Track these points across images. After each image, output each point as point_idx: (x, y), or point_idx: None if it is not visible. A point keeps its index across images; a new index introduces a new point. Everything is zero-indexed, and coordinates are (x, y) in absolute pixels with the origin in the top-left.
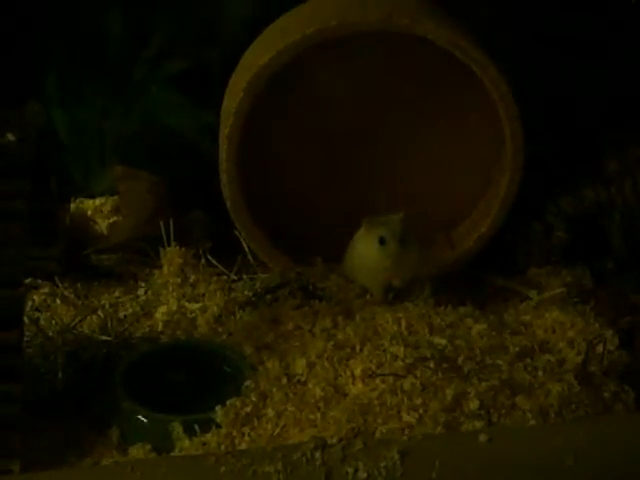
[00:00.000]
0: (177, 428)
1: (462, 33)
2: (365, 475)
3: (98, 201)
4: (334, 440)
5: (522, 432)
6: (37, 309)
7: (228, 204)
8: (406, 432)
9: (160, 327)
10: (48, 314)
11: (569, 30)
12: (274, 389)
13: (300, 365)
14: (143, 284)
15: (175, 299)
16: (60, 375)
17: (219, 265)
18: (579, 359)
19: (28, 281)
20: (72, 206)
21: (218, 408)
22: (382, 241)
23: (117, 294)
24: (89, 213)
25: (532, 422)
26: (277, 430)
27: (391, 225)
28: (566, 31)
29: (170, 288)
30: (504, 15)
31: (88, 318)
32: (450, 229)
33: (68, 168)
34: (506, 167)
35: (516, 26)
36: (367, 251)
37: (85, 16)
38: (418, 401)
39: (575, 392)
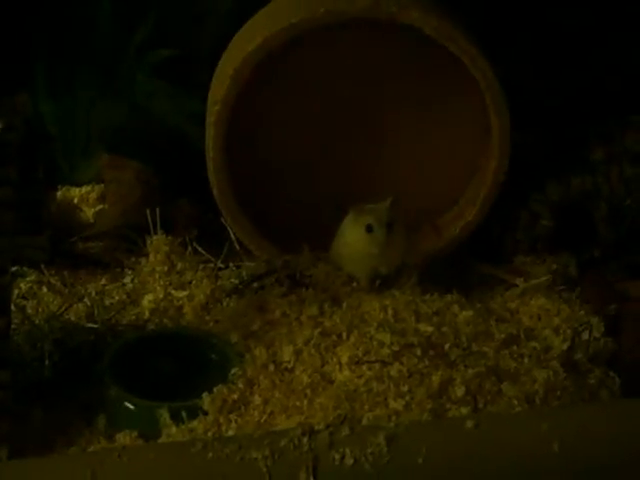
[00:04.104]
0: (164, 415)
1: (449, 21)
2: (352, 461)
3: (84, 189)
4: (321, 426)
5: (508, 418)
6: (24, 297)
7: (215, 192)
8: (393, 418)
9: (147, 315)
10: (35, 302)
11: (558, 20)
12: (261, 376)
13: (287, 352)
14: (130, 272)
15: (162, 287)
16: (47, 362)
17: (206, 253)
18: (565, 346)
19: (15, 269)
20: (58, 194)
21: (205, 395)
22: (369, 229)
23: (103, 282)
24: (75, 201)
25: (518, 408)
26: (264, 417)
27: (378, 212)
28: (555, 21)
29: (157, 276)
30: (493, 4)
31: (75, 306)
32: (436, 217)
33: (55, 156)
34: (492, 155)
35: (504, 15)
36: (354, 239)
37: (72, 5)
38: (405, 388)
39: (561, 379)
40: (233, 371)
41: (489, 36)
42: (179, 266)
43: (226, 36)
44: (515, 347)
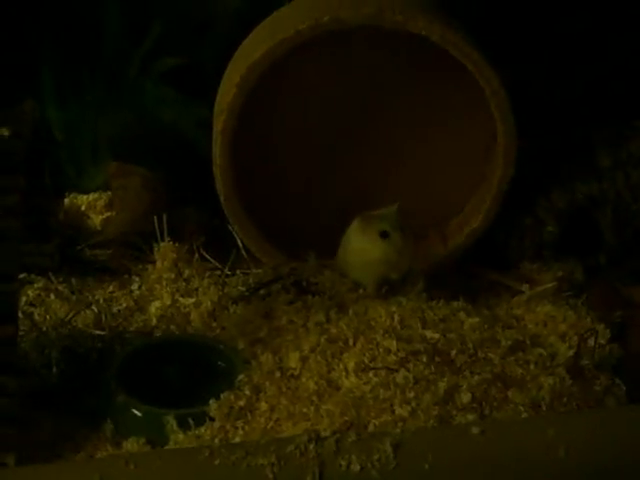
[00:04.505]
0: (171, 422)
1: (454, 29)
2: (358, 468)
3: (92, 197)
4: (327, 433)
5: (514, 425)
6: (31, 304)
7: (222, 199)
8: (399, 425)
9: (154, 322)
10: (42, 309)
11: (562, 26)
12: (267, 383)
13: (293, 359)
14: (137, 279)
15: (169, 294)
16: (54, 369)
17: (213, 260)
18: (571, 353)
19: (22, 276)
20: (66, 201)
21: (212, 402)
22: (385, 235)
23: (111, 289)
24: (83, 208)
25: (524, 415)
26: (270, 423)
27: (390, 218)
28: (559, 27)
29: (164, 283)
30: (498, 11)
31: (82, 313)
32: (442, 224)
33: (62, 164)
34: (498, 162)
35: (508, 21)
36: (368, 246)
37: (80, 12)
38: (411, 394)
39: (567, 385)
40: (239, 378)
41: (493, 43)
42: (186, 273)
43: (233, 44)
44: (521, 354)
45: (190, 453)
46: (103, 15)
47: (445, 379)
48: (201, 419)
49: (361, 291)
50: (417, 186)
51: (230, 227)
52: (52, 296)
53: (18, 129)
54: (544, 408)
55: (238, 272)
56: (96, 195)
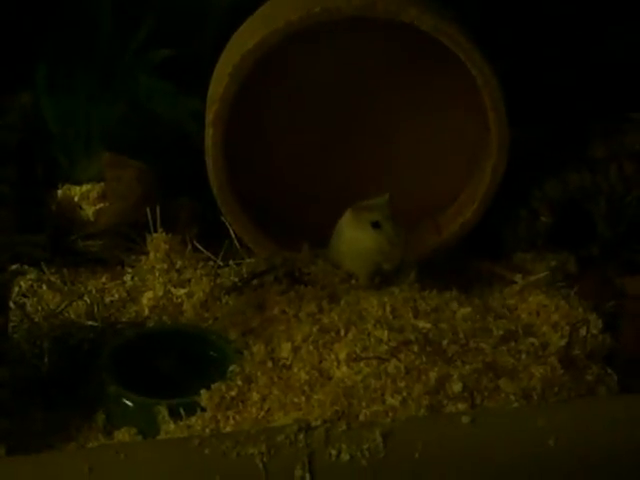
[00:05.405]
0: (162, 412)
1: (447, 19)
2: (348, 457)
3: (85, 188)
4: (318, 423)
5: (505, 414)
6: (24, 295)
7: (214, 190)
8: (390, 414)
9: (146, 312)
10: (34, 299)
11: (557, 15)
12: (259, 373)
13: (285, 349)
14: (129, 270)
15: (161, 285)
16: (46, 360)
17: (205, 251)
18: (563, 342)
19: (15, 267)
20: (59, 192)
21: (203, 392)
22: (377, 225)
23: (103, 280)
24: (76, 199)
25: (515, 404)
26: (262, 413)
27: (381, 208)
28: (554, 16)
29: (156, 274)
30: (491, 2)
31: (74, 303)
32: (436, 215)
33: (55, 155)
34: (491, 152)
35: (502, 11)
36: (360, 237)
37: (74, 3)
38: (402, 384)
39: (558, 375)
40: (231, 368)
41: (487, 32)
42: (179, 264)
43: (226, 35)
44: (513, 343)
45: (180, 443)
46: (97, 6)
47: (436, 369)
48: (192, 409)
49: (353, 281)
50: (410, 176)
51: (223, 218)
52: (44, 287)
53: (9, 121)
54: (535, 398)
55: (231, 263)
56: (89, 186)
